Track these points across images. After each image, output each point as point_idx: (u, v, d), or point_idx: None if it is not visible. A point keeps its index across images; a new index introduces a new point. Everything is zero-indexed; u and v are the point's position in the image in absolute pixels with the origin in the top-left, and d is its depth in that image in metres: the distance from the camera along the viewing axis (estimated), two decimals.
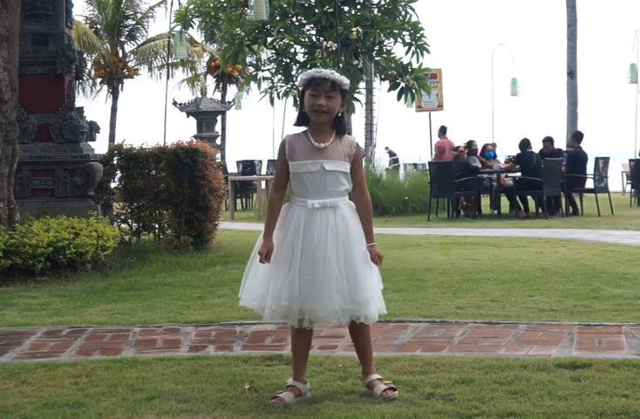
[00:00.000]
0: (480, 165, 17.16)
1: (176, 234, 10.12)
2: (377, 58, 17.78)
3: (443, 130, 20.57)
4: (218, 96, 35.33)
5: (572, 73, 23.79)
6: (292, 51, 17.68)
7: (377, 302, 4.03)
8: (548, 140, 17.28)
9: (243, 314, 6.10)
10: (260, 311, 4.07)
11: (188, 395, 4.05)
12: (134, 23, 36.58)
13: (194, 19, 18.61)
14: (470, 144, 17.61)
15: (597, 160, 17.07)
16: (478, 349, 4.88)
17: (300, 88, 4.12)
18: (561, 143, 19.74)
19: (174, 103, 26.78)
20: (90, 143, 10.36)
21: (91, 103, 41.24)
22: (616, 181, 25.73)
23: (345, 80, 4.02)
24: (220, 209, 10.77)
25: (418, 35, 17.31)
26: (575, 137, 17.74)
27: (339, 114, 4.05)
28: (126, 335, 5.52)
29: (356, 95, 18.68)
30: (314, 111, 3.98)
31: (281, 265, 3.96)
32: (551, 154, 16.64)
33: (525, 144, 16.37)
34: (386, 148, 29.01)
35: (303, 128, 4.11)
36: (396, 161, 26.49)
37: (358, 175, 4.08)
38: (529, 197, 16.29)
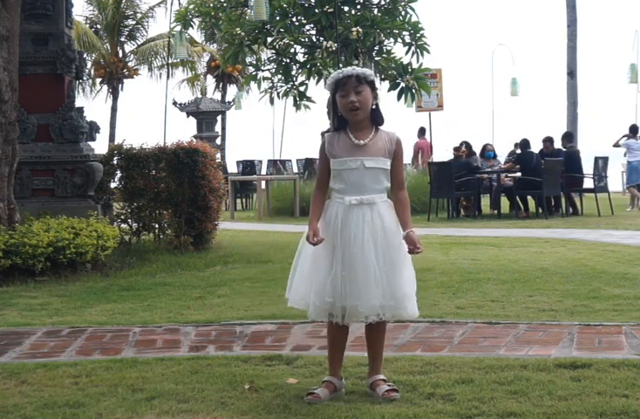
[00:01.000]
0: (480, 165, 17.17)
1: (176, 234, 10.12)
2: (377, 58, 17.77)
3: (422, 131, 20.74)
4: (218, 96, 35.37)
5: (572, 73, 23.80)
6: (292, 51, 17.66)
7: (412, 303, 4.03)
8: (548, 141, 17.28)
9: (243, 314, 6.11)
10: (307, 309, 4.08)
11: (188, 395, 4.05)
12: (134, 23, 36.59)
13: (194, 19, 18.60)
14: (467, 145, 17.63)
15: (597, 159, 17.06)
16: (478, 349, 4.88)
17: (329, 94, 4.10)
18: (561, 143, 19.74)
19: (174, 103, 26.79)
20: (90, 143, 10.37)
21: (91, 103, 41.21)
22: (617, 181, 25.74)
23: (369, 72, 4.02)
24: (220, 209, 10.78)
25: (418, 35, 17.30)
26: (566, 137, 17.76)
27: (373, 106, 4.04)
28: (126, 335, 5.52)
29: None
30: (349, 110, 3.99)
31: (322, 262, 3.97)
32: (551, 154, 16.65)
33: (524, 144, 16.38)
34: None
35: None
36: None
37: (398, 172, 4.09)
38: (529, 197, 16.29)
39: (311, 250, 4.01)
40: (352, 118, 4.01)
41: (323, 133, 19.12)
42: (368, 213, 3.97)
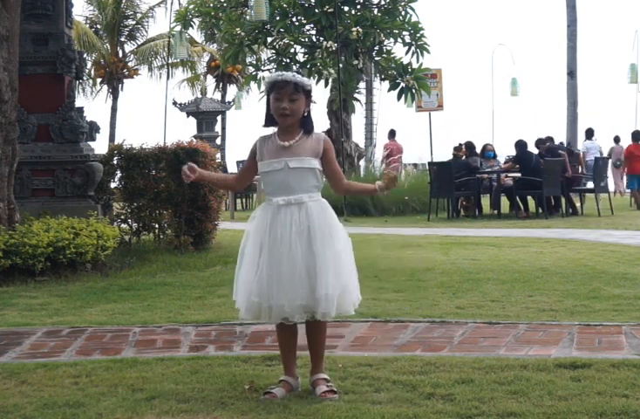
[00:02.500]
0: (479, 165, 17.17)
1: (176, 234, 10.12)
2: (377, 58, 17.79)
3: (392, 133, 20.87)
4: (218, 96, 35.37)
5: (572, 73, 23.80)
6: (292, 51, 17.68)
7: (343, 300, 4.02)
8: (549, 140, 17.28)
9: None
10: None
11: (188, 395, 4.05)
12: (134, 23, 36.60)
13: (194, 19, 18.63)
14: (469, 145, 17.65)
15: (597, 160, 17.07)
16: (478, 349, 4.88)
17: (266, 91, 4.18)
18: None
19: (174, 103, 26.79)
20: (90, 143, 10.37)
21: (91, 103, 41.21)
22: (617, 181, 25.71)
23: (307, 82, 4.07)
24: (220, 209, 10.77)
25: (418, 35, 17.33)
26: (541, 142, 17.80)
27: (305, 114, 4.10)
28: (126, 335, 5.52)
29: (356, 95, 18.69)
30: (279, 115, 4.05)
31: (249, 262, 4.04)
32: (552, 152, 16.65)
33: (521, 145, 16.37)
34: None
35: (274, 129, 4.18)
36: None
37: (331, 165, 4.12)
38: (529, 197, 16.29)
39: (246, 252, 4.08)
40: (281, 122, 4.08)
41: (322, 133, 19.11)
42: (296, 213, 4.00)
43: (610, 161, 20.13)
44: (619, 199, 20.34)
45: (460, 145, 17.57)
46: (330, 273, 3.97)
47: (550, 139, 17.46)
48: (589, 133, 21.26)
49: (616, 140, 24.74)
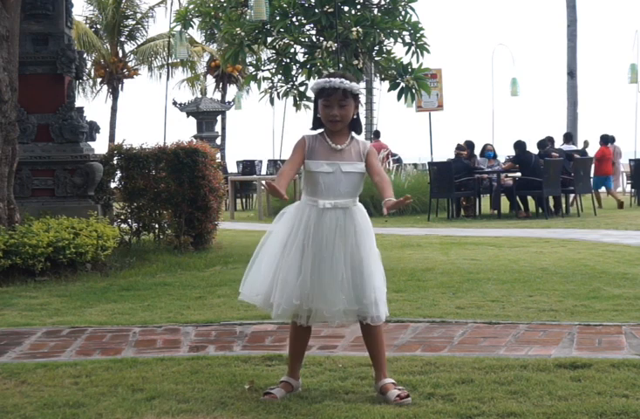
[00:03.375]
0: (477, 165, 17.18)
1: (176, 234, 10.12)
2: (377, 58, 17.76)
3: (377, 134, 20.94)
4: (218, 96, 35.36)
5: (572, 73, 23.81)
6: (292, 51, 17.65)
7: (380, 308, 4.03)
8: (549, 141, 17.29)
9: (243, 314, 6.11)
10: (264, 307, 4.11)
11: (188, 395, 4.05)
12: (134, 23, 36.57)
13: (193, 19, 18.59)
14: (469, 144, 17.66)
15: (578, 161, 17.04)
16: (478, 349, 4.88)
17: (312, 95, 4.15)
18: (561, 143, 19.80)
19: (174, 103, 26.78)
20: (90, 143, 10.37)
21: (91, 103, 41.30)
22: (617, 181, 25.73)
23: (356, 86, 4.03)
24: (220, 209, 10.78)
25: (418, 35, 17.28)
26: (565, 137, 17.84)
27: (354, 116, 4.08)
28: (126, 335, 5.52)
29: None
30: (329, 121, 4.02)
31: (292, 265, 3.98)
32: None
33: (521, 145, 16.37)
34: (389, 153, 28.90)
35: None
36: (397, 160, 26.47)
37: (374, 164, 4.10)
38: (529, 197, 16.29)
39: (280, 252, 4.02)
40: (331, 127, 4.06)
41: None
42: (341, 217, 3.99)
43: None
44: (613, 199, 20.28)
45: (462, 145, 17.57)
46: (377, 277, 4.00)
47: (550, 139, 17.45)
48: (568, 138, 21.48)
49: (611, 140, 24.88)
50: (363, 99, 20.52)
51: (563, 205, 16.57)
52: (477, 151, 18.33)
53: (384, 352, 4.14)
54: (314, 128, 4.13)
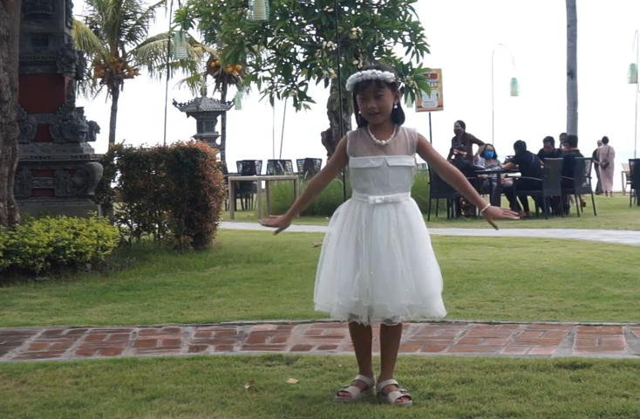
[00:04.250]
0: (482, 166, 17.19)
1: (176, 234, 10.12)
2: (377, 58, 17.76)
3: None
4: (218, 96, 35.37)
5: (572, 73, 23.80)
6: (292, 51, 17.66)
7: (440, 302, 4.04)
8: (549, 141, 17.29)
9: (243, 314, 6.11)
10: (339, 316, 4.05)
11: (188, 395, 4.05)
12: (134, 23, 36.59)
13: (194, 19, 18.60)
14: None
15: (577, 162, 17.02)
16: (478, 349, 4.88)
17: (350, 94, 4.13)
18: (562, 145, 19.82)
19: (174, 103, 26.79)
20: (90, 143, 10.37)
21: (91, 103, 41.30)
22: (617, 181, 25.77)
23: (389, 74, 3.95)
24: (220, 209, 10.77)
25: (418, 35, 17.31)
26: (569, 141, 17.84)
27: (395, 106, 4.02)
28: (126, 335, 5.52)
29: None
30: (368, 114, 3.98)
31: (347, 262, 3.94)
32: (552, 154, 16.65)
33: (521, 145, 16.37)
34: None
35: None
36: None
37: (433, 155, 4.07)
38: (529, 197, 16.29)
39: (334, 251, 3.98)
40: (372, 121, 4.01)
41: (322, 133, 19.12)
42: (393, 212, 3.95)
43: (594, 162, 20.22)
44: (619, 199, 20.31)
45: (462, 147, 17.59)
46: (432, 271, 3.99)
47: (550, 139, 17.45)
48: (572, 141, 21.80)
49: (604, 140, 24.93)
50: None
51: (573, 204, 16.56)
52: (475, 151, 18.36)
53: (396, 353, 4.13)
54: (360, 126, 4.09)
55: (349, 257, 3.94)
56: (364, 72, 3.97)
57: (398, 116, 4.03)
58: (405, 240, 3.93)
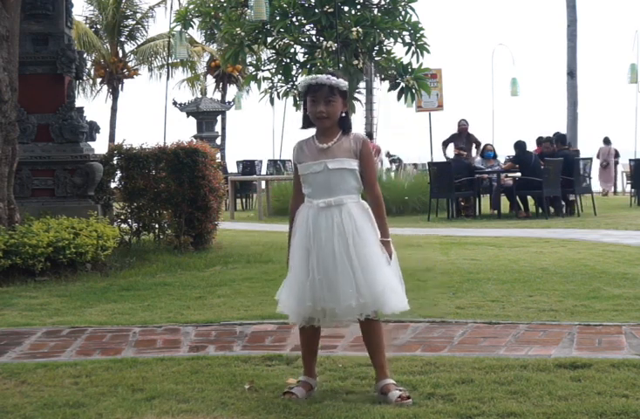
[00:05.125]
0: (482, 165, 17.19)
1: (176, 234, 10.12)
2: (377, 58, 17.77)
3: (369, 136, 21.12)
4: (218, 96, 35.36)
5: (572, 73, 23.80)
6: (292, 51, 17.66)
7: (395, 297, 4.03)
8: (549, 141, 17.29)
9: (243, 314, 6.11)
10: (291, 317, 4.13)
11: (188, 395, 4.05)
12: (134, 23, 36.57)
13: (194, 19, 18.59)
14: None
15: (578, 162, 17.02)
16: (478, 349, 4.88)
17: (300, 93, 4.16)
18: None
19: (174, 103, 26.78)
20: (90, 143, 10.37)
21: (91, 103, 41.23)
22: (618, 181, 25.76)
23: (342, 83, 4.03)
24: (220, 209, 10.77)
25: (418, 35, 17.30)
26: (559, 140, 17.84)
27: (343, 114, 4.08)
28: (126, 335, 5.52)
29: (356, 95, 18.68)
30: (316, 118, 4.04)
31: (300, 267, 4.01)
32: (551, 154, 16.64)
33: (521, 145, 16.36)
34: (387, 153, 28.92)
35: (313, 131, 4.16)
36: (395, 160, 26.47)
37: (366, 171, 4.08)
38: (529, 197, 16.29)
39: (292, 257, 4.08)
40: (319, 125, 4.08)
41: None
42: (337, 214, 3.99)
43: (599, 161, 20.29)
44: (619, 199, 20.32)
45: (462, 147, 17.61)
46: (378, 271, 3.99)
47: (549, 139, 17.44)
48: (539, 142, 22.20)
49: (606, 141, 24.95)
50: (362, 98, 20.52)
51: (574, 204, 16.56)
52: (474, 153, 18.38)
53: (383, 350, 4.12)
54: (303, 127, 4.17)
55: (301, 263, 4.02)
56: (319, 76, 4.04)
57: (345, 124, 4.09)
58: (351, 241, 3.96)
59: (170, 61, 25.92)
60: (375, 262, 3.99)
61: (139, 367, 4.62)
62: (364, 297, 3.94)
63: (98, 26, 36.35)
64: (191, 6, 18.42)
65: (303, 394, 4.00)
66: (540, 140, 18.17)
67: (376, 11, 17.77)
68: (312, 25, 17.64)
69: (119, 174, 10.38)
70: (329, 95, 4.00)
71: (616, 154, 25.36)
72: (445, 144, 18.63)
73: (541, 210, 15.84)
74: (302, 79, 4.13)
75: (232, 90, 36.43)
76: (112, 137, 34.74)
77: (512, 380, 4.15)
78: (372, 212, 4.08)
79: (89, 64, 34.03)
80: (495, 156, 18.87)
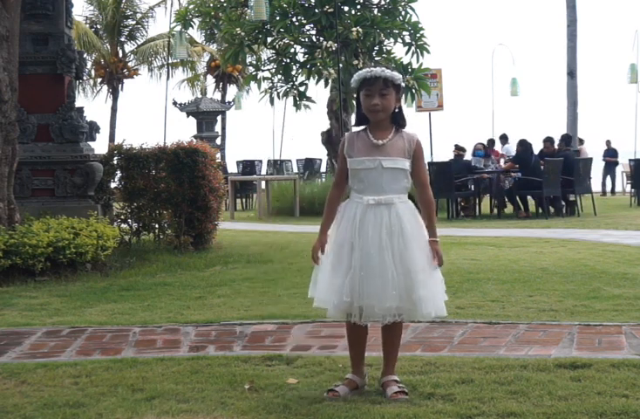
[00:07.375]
0: (481, 165, 17.21)
1: (176, 234, 10.12)
2: (377, 58, 17.76)
3: None
4: (218, 96, 35.35)
5: (572, 73, 23.78)
6: (292, 51, 17.66)
7: (435, 302, 4.03)
8: (549, 141, 17.29)
9: (243, 314, 6.11)
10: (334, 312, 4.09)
11: (188, 395, 4.05)
12: (134, 23, 36.57)
13: (194, 19, 18.60)
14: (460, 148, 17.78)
15: (579, 161, 17.03)
16: (478, 349, 4.88)
17: (352, 90, 4.16)
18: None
19: (174, 103, 26.78)
20: (90, 143, 10.37)
21: (91, 103, 41.26)
22: (618, 181, 25.76)
23: (397, 76, 4.01)
24: (220, 209, 10.77)
25: (418, 35, 17.31)
26: (564, 140, 17.84)
27: (397, 109, 4.06)
28: (126, 335, 5.52)
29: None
30: (370, 111, 4.01)
31: (342, 262, 3.98)
32: (551, 154, 16.65)
33: (526, 144, 16.37)
34: None
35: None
36: None
37: (419, 172, 4.08)
38: (529, 197, 16.29)
39: (331, 251, 4.03)
40: (373, 118, 4.04)
41: (323, 134, 19.12)
42: (386, 214, 3.97)
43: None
44: (619, 199, 20.31)
45: (462, 147, 17.61)
46: (426, 274, 4.00)
47: (549, 139, 17.43)
48: (505, 139, 22.85)
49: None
50: None
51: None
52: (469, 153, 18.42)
53: (398, 349, 4.17)
54: (357, 124, 4.13)
55: (343, 257, 3.98)
56: (373, 69, 4.01)
57: (399, 119, 4.07)
58: (396, 242, 3.96)
59: (170, 61, 25.93)
60: (418, 267, 3.98)
61: (139, 367, 4.62)
62: (403, 301, 3.93)
63: (98, 26, 36.34)
64: (191, 6, 18.42)
65: (347, 393, 3.98)
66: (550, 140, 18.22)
67: (376, 11, 17.78)
68: (312, 25, 17.64)
69: (119, 174, 10.38)
70: (383, 88, 3.98)
71: (615, 154, 25.39)
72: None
73: (541, 210, 15.84)
74: (356, 74, 4.07)
75: (232, 90, 36.44)
76: (112, 137, 34.73)
77: (512, 380, 4.15)
78: (423, 213, 4.06)
79: (89, 64, 34.03)
80: (487, 155, 18.88)
